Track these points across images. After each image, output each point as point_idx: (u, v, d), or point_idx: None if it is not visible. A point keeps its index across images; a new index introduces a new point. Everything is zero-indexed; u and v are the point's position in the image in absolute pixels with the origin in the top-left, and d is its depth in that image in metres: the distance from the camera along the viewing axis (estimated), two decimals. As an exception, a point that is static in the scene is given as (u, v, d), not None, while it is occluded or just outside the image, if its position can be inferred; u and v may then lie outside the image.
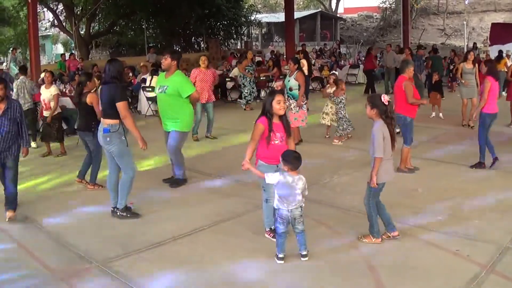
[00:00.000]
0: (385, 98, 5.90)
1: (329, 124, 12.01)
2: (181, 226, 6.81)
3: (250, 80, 17.33)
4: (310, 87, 19.56)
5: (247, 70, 17.31)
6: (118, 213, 7.23)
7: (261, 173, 5.79)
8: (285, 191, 5.52)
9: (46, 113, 11.06)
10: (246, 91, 17.31)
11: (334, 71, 13.79)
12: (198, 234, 6.58)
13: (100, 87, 14.14)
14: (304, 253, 5.66)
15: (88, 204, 7.93)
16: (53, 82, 11.65)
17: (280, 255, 5.65)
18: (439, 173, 8.97)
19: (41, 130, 11.89)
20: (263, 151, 5.98)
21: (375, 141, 5.85)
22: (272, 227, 6.07)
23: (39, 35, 44.35)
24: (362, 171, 8.89)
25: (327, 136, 11.99)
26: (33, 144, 11.67)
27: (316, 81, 21.68)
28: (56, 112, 11.03)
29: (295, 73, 11.15)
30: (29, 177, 9.49)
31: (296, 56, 15.73)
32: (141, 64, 19.59)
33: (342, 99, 11.57)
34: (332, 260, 5.71)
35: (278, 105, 5.86)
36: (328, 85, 12.13)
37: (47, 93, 10.99)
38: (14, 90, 11.90)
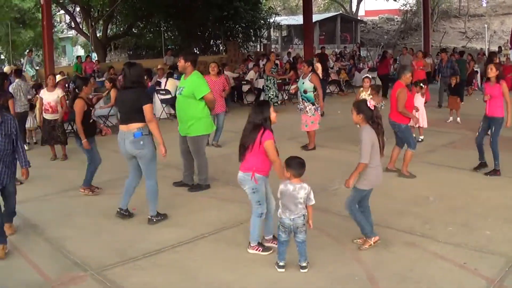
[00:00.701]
0: (371, 103, 5.81)
1: None
2: (182, 233, 6.65)
3: (274, 82, 17.05)
4: (328, 90, 19.33)
5: (271, 72, 17.02)
6: (155, 220, 7.09)
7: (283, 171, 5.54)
8: (285, 199, 5.36)
9: (49, 116, 11.02)
10: (271, 93, 16.93)
11: (367, 75, 13.38)
12: (198, 242, 6.40)
13: (108, 91, 14.37)
14: (304, 264, 5.46)
15: (90, 209, 7.82)
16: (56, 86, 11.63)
17: (281, 263, 5.49)
18: (453, 180, 8.67)
19: (42, 134, 11.70)
20: (264, 165, 5.76)
21: (363, 146, 5.73)
22: (260, 241, 5.96)
23: (60, 37, 45.23)
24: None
25: None
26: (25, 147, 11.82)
27: (334, 84, 21.39)
28: (56, 117, 11.09)
29: (310, 75, 10.99)
30: (30, 181, 9.36)
31: (312, 58, 15.59)
32: (158, 67, 19.46)
33: (382, 106, 11.01)
34: (333, 271, 5.49)
35: (274, 113, 5.76)
36: (362, 89, 11.52)
37: (52, 96, 10.99)
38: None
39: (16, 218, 7.38)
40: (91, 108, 8.62)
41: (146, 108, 6.78)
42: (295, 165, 5.37)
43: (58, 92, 11.02)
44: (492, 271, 5.31)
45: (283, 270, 5.47)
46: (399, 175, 8.71)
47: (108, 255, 6.07)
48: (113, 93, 14.13)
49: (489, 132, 8.90)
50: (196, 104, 8.25)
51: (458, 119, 13.87)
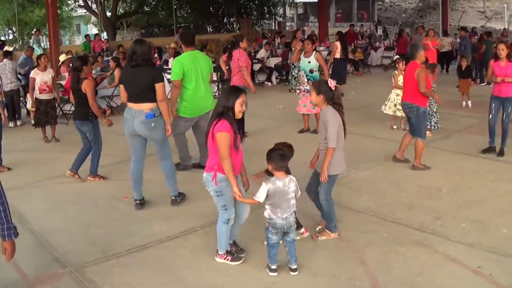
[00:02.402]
0: (331, 83, 5.38)
1: (397, 115, 10.49)
2: (172, 226, 6.19)
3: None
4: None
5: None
6: (178, 200, 6.94)
7: (253, 199, 4.83)
8: (277, 198, 4.78)
9: (46, 96, 10.86)
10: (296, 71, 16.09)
11: (397, 56, 12.71)
12: (188, 237, 5.92)
13: (112, 70, 13.94)
14: (294, 266, 4.95)
15: (81, 197, 7.40)
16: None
17: (273, 266, 4.95)
18: (470, 169, 8.05)
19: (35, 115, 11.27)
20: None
21: (330, 129, 5.31)
22: (228, 249, 5.29)
23: (74, 15, 44.77)
24: (384, 165, 8.20)
25: (394, 128, 10.74)
26: (11, 124, 12.35)
27: (349, 64, 20.64)
28: (53, 96, 11.03)
29: (314, 53, 10.32)
30: (21, 166, 9.07)
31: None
32: (171, 45, 18.90)
33: (434, 88, 10.16)
34: (332, 274, 4.96)
35: (240, 107, 4.86)
36: (397, 71, 10.55)
37: (47, 76, 10.86)
38: None
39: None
40: (96, 89, 8.27)
41: (159, 86, 6.57)
42: (275, 158, 4.81)
43: (51, 71, 10.95)
44: (509, 279, 4.74)
45: (275, 274, 4.94)
46: (412, 168, 8.02)
47: (92, 250, 5.65)
48: (117, 72, 13.72)
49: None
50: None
51: (470, 103, 12.93)
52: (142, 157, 6.94)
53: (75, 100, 8.06)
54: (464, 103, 13.05)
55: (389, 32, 31.72)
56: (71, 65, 15.06)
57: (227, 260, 5.22)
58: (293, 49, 16.11)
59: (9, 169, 8.80)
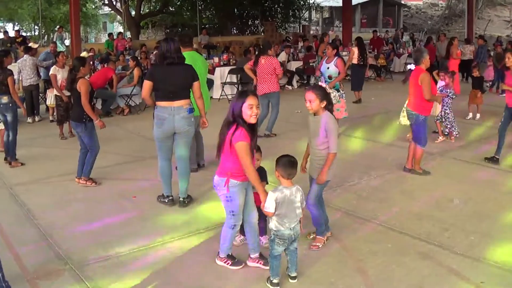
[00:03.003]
0: (328, 88, 5.28)
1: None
2: (176, 227, 6.17)
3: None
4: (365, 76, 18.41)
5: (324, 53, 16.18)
6: (186, 202, 6.96)
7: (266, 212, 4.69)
8: (284, 208, 4.62)
9: (64, 93, 10.73)
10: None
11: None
12: (191, 239, 5.87)
13: (132, 69, 13.98)
14: (294, 274, 4.85)
15: (90, 195, 7.43)
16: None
17: (275, 280, 4.76)
18: (483, 180, 7.89)
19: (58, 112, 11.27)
20: (238, 166, 4.76)
21: (332, 135, 5.23)
22: (230, 253, 5.22)
23: (101, 13, 45.14)
24: (397, 174, 8.08)
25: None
26: (29, 120, 12.56)
27: (371, 70, 20.48)
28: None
29: (335, 59, 10.23)
30: (35, 162, 9.16)
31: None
32: (194, 46, 18.92)
33: (453, 95, 10.22)
34: (330, 283, 4.86)
35: (249, 111, 4.70)
36: None
37: (65, 73, 10.57)
38: (16, 68, 12.39)
39: (13, 202, 7.17)
40: (94, 90, 8.12)
41: (197, 84, 6.75)
42: (283, 164, 4.65)
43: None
44: (512, 295, 4.62)
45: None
46: (410, 171, 8.02)
47: (94, 248, 5.65)
48: (136, 71, 13.76)
49: None
50: None
51: (478, 115, 12.33)
52: (171, 155, 7.01)
53: (73, 101, 7.92)
54: (471, 114, 12.38)
55: (416, 39, 31.39)
56: (91, 62, 15.33)
57: (227, 264, 5.16)
58: (319, 54, 16.04)
59: (22, 164, 8.89)
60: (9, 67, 9.13)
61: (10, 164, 8.88)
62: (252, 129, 4.75)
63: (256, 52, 13.27)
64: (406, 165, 8.18)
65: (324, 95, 5.25)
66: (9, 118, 8.81)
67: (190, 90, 6.74)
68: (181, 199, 6.93)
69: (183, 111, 6.60)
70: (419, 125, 7.83)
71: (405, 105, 9.74)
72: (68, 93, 10.32)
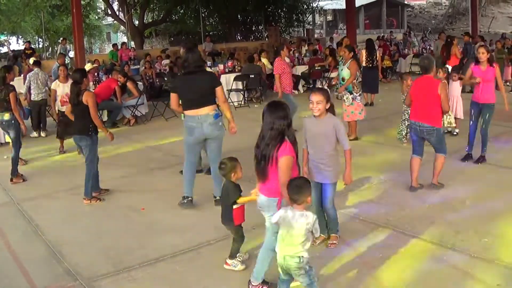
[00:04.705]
0: (339, 92, 5.27)
1: None
2: (186, 239, 6.10)
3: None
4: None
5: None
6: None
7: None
8: (283, 229, 4.27)
9: (65, 108, 10.08)
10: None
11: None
12: (201, 251, 5.80)
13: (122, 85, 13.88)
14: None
15: (97, 209, 7.39)
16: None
17: None
18: (495, 180, 7.78)
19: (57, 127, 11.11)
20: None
21: (342, 134, 5.35)
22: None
23: (104, 24, 45.19)
24: (408, 176, 7.89)
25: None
26: (35, 134, 12.48)
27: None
28: None
29: (349, 62, 10.40)
30: (42, 176, 9.12)
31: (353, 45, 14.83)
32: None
33: None
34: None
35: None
36: (405, 88, 10.01)
37: (67, 88, 10.37)
38: (27, 81, 12.43)
39: (19, 217, 7.14)
40: (97, 102, 8.00)
41: (220, 89, 6.89)
42: (290, 188, 4.26)
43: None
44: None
45: None
46: (431, 186, 7.42)
47: (103, 263, 5.60)
48: (130, 85, 13.64)
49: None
50: None
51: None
52: (197, 159, 7.47)
53: (74, 114, 7.67)
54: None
55: (425, 39, 31.22)
56: (95, 74, 15.29)
57: None
58: (340, 57, 15.93)
59: (24, 180, 8.84)
60: (16, 79, 9.07)
61: (12, 180, 8.81)
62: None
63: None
64: (432, 181, 7.51)
65: (329, 97, 5.30)
66: (11, 135, 8.78)
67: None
68: (216, 198, 7.03)
69: (210, 118, 6.77)
70: (439, 136, 7.29)
71: (405, 118, 9.52)
72: (63, 109, 10.38)
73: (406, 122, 9.75)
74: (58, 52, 21.72)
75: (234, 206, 5.15)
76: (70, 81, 10.39)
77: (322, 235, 5.53)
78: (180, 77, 7.06)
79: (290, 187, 4.26)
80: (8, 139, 9.85)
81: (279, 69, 11.11)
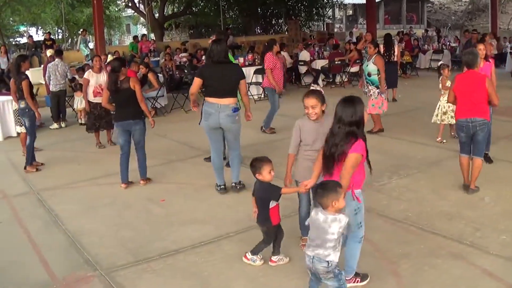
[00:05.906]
0: (316, 87, 5.28)
1: (451, 123, 9.65)
2: (205, 232, 6.10)
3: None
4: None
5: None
6: (238, 187, 7.39)
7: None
8: (313, 231, 4.17)
9: (98, 100, 10.10)
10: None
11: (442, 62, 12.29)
12: (221, 243, 5.81)
13: (143, 75, 13.93)
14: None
15: (117, 200, 7.42)
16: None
17: None
18: (513, 177, 7.70)
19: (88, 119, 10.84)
20: (361, 176, 4.60)
21: None
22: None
23: (124, 15, 45.38)
24: (427, 172, 7.93)
25: (444, 142, 9.72)
26: (55, 125, 12.65)
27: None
28: None
29: (374, 57, 10.48)
30: (63, 166, 9.19)
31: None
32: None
33: None
34: (363, 286, 4.78)
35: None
36: (443, 77, 9.92)
37: (101, 78, 10.49)
38: (47, 72, 12.64)
39: (39, 206, 7.21)
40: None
41: (243, 82, 7.17)
42: (316, 192, 4.15)
43: (105, 74, 10.42)
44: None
45: None
46: (469, 192, 7.09)
47: (123, 254, 5.64)
48: (151, 76, 13.66)
49: None
50: None
51: None
52: (222, 147, 7.62)
53: (116, 102, 7.72)
54: None
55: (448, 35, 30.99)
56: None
57: (357, 282, 4.76)
58: (363, 52, 15.86)
59: (37, 170, 8.97)
60: (36, 69, 9.16)
61: (25, 168, 8.91)
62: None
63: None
64: (470, 185, 7.18)
65: (323, 98, 5.10)
66: (26, 123, 8.88)
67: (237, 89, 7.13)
68: (233, 184, 7.40)
69: (228, 109, 6.96)
70: (488, 132, 7.22)
71: (449, 112, 9.45)
72: (96, 100, 10.24)
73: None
74: (79, 43, 21.85)
75: (270, 206, 5.03)
76: (103, 72, 10.49)
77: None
78: (209, 65, 7.15)
79: (316, 191, 4.19)
80: (19, 130, 9.99)
81: (270, 63, 10.99)
